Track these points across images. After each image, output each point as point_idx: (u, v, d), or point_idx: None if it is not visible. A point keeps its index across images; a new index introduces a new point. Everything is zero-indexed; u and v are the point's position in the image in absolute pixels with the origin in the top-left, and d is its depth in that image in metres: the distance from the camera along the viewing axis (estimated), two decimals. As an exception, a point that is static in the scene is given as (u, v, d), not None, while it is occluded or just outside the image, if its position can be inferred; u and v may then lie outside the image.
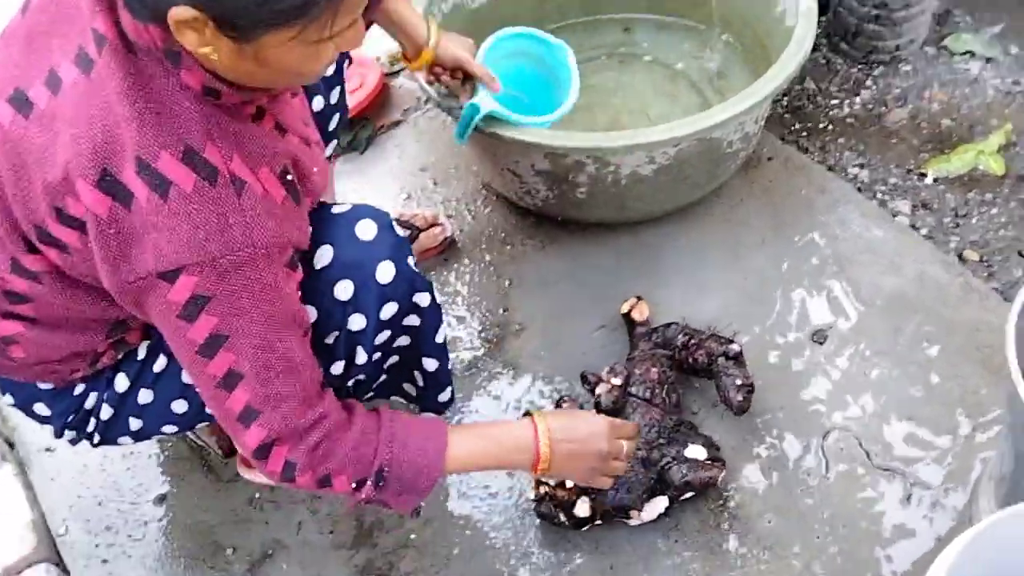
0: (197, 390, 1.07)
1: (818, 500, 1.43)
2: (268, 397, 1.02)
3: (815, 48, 2.16)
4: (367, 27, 1.29)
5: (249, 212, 0.95)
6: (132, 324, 1.17)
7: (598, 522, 1.41)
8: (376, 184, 2.02)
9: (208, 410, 1.22)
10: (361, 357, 1.20)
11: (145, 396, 1.24)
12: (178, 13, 0.84)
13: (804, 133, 2.00)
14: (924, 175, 1.88)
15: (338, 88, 1.49)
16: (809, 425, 1.52)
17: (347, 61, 1.51)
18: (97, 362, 1.21)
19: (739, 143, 1.72)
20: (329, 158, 1.56)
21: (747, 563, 1.38)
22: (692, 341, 1.54)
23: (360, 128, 2.11)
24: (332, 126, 1.51)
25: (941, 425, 1.50)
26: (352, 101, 2.08)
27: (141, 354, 1.23)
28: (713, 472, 1.39)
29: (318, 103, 1.44)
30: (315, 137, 1.17)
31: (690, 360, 1.52)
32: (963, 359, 1.57)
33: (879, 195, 1.85)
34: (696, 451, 1.41)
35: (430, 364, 1.31)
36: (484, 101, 1.53)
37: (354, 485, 1.10)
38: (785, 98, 2.07)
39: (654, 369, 1.50)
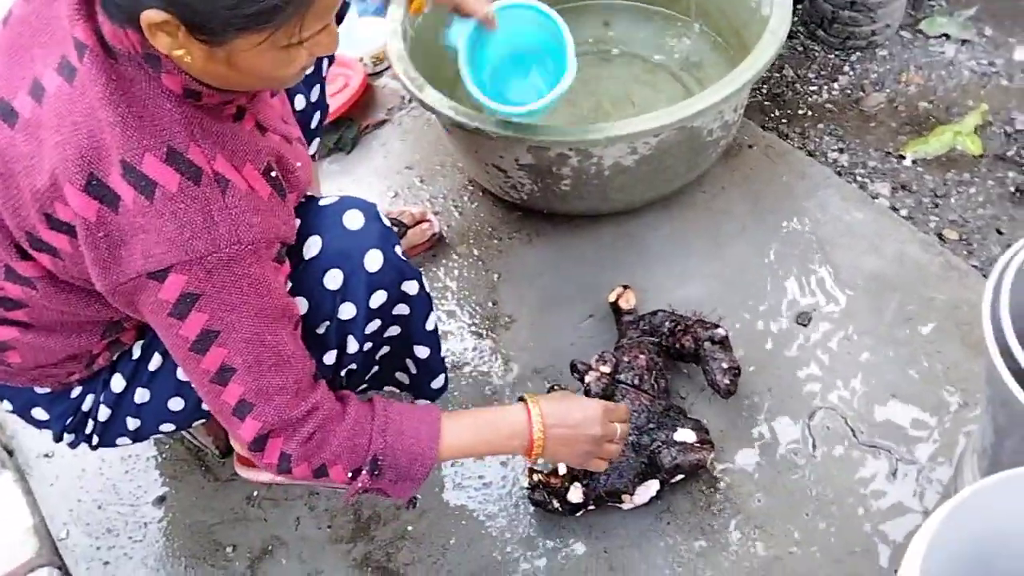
0: (193, 386, 1.09)
1: (806, 478, 1.46)
2: (261, 390, 1.04)
3: (792, 36, 2.19)
4: (338, 21, 1.31)
5: (234, 209, 0.97)
6: (126, 324, 1.19)
7: (591, 507, 1.43)
8: (363, 183, 2.04)
9: (205, 407, 1.25)
10: (352, 346, 1.22)
11: (142, 395, 1.25)
12: (150, 16, 0.86)
13: (784, 120, 2.03)
14: (903, 157, 1.91)
15: (318, 86, 1.51)
16: (795, 405, 1.55)
17: (328, 61, 1.53)
18: (93, 363, 1.23)
19: (719, 131, 1.74)
20: (313, 156, 1.58)
21: (739, 542, 1.41)
22: (678, 327, 1.56)
23: (345, 129, 2.13)
24: (314, 124, 1.53)
25: (925, 402, 1.52)
26: (337, 102, 2.10)
27: (136, 353, 1.25)
28: (702, 454, 1.42)
29: (300, 102, 1.46)
30: (296, 134, 1.19)
31: (677, 346, 1.55)
32: (945, 336, 1.60)
33: (859, 178, 1.88)
34: (685, 434, 1.44)
35: (421, 352, 1.34)
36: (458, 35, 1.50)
37: (350, 474, 1.12)
38: (764, 86, 2.10)
39: (642, 356, 1.53)
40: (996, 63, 2.07)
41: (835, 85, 2.09)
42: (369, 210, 1.21)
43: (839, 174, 1.89)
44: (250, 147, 1.03)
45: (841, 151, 1.94)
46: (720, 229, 1.82)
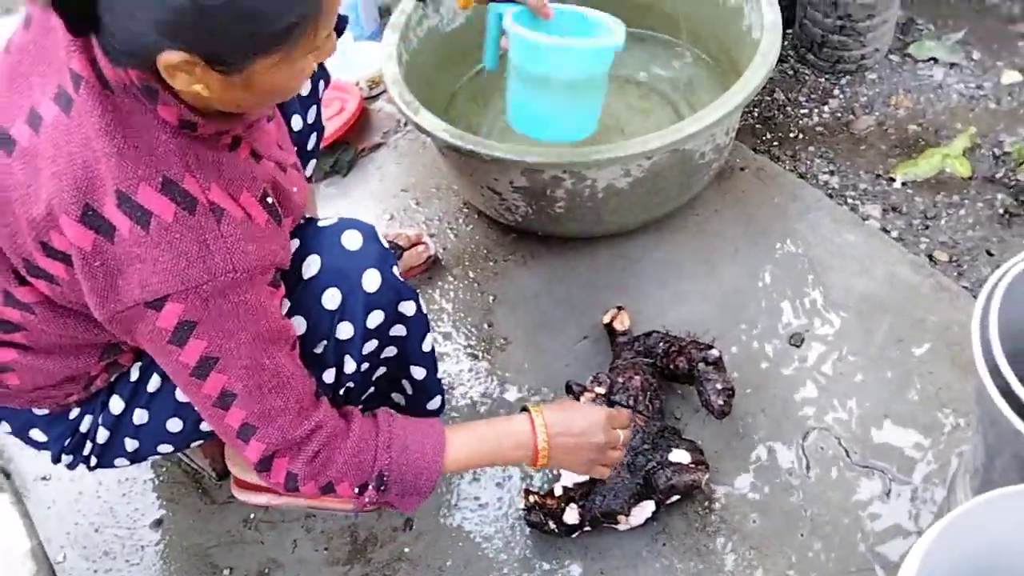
0: (194, 409, 1.10)
1: (801, 499, 1.47)
2: (263, 413, 1.05)
3: (783, 60, 2.22)
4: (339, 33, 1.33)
5: (229, 238, 0.98)
6: (124, 347, 1.20)
7: (587, 528, 1.44)
8: (359, 206, 2.06)
9: (204, 428, 1.26)
10: (350, 366, 1.23)
11: (140, 416, 1.26)
12: (168, 58, 0.87)
13: (775, 143, 2.05)
14: (893, 179, 1.93)
15: (314, 108, 1.53)
16: (789, 426, 1.56)
17: (324, 83, 1.55)
18: (91, 385, 1.24)
19: (711, 154, 1.76)
20: (309, 178, 1.59)
21: (735, 563, 1.42)
22: (672, 348, 1.57)
23: (342, 152, 2.15)
24: (310, 145, 1.55)
25: (918, 422, 1.54)
26: (333, 126, 2.12)
27: (134, 375, 1.25)
28: (697, 475, 1.43)
29: (296, 123, 1.47)
30: (291, 160, 1.20)
31: (671, 367, 1.56)
32: (936, 357, 1.61)
33: (850, 200, 1.90)
34: (680, 455, 1.45)
35: (418, 372, 1.35)
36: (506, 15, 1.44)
37: (357, 490, 1.13)
38: (756, 109, 2.12)
39: (637, 377, 1.54)
40: (984, 86, 2.10)
41: (825, 108, 2.11)
42: (367, 231, 1.22)
43: (830, 196, 1.91)
44: (246, 175, 1.04)
45: (832, 173, 1.97)
46: (713, 251, 1.84)
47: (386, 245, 1.24)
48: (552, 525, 1.43)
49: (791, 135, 2.06)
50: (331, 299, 1.18)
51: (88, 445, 1.31)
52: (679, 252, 1.85)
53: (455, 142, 1.65)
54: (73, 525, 1.61)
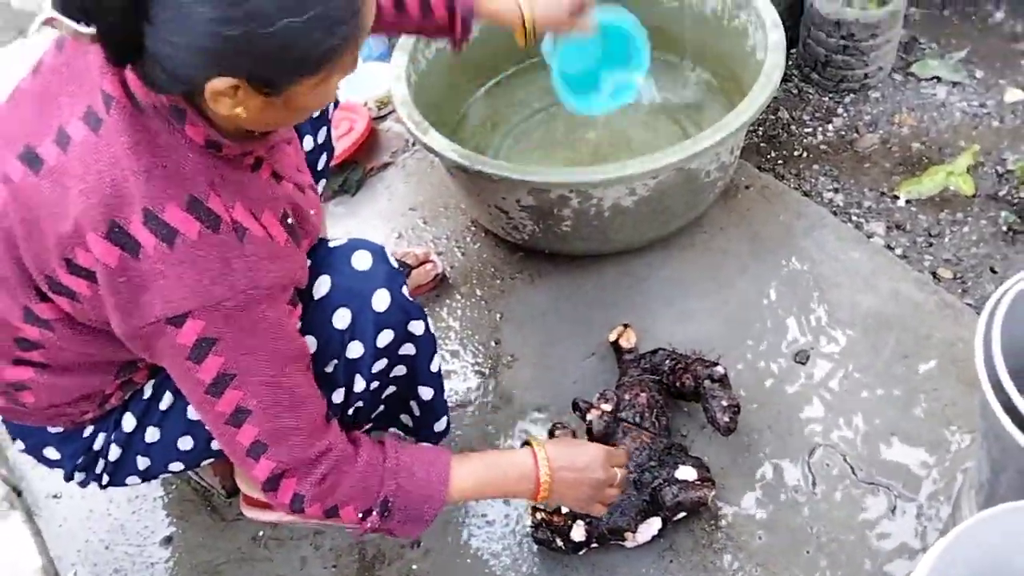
0: (206, 427, 1.11)
1: (807, 516, 1.48)
2: (275, 431, 1.06)
3: (787, 79, 2.24)
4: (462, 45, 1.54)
5: (251, 256, 1.00)
6: (140, 364, 1.22)
7: (594, 545, 1.45)
8: (368, 225, 2.08)
9: (214, 446, 1.27)
10: (359, 385, 1.24)
11: (152, 434, 1.28)
12: (216, 85, 0.90)
13: (780, 161, 2.07)
14: (897, 197, 1.94)
15: (325, 129, 1.56)
16: (795, 443, 1.57)
17: (333, 104, 1.57)
18: (106, 403, 1.25)
19: (716, 173, 1.78)
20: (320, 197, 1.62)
21: (740, 580, 1.42)
22: (678, 366, 1.58)
23: (350, 171, 2.18)
24: (321, 165, 1.58)
25: (923, 438, 1.54)
26: (342, 145, 2.15)
27: (147, 393, 1.27)
28: (703, 492, 1.44)
29: (308, 143, 1.50)
30: (308, 182, 1.22)
31: (677, 384, 1.57)
32: (942, 374, 1.62)
33: (854, 218, 1.92)
34: (686, 472, 1.45)
35: (426, 392, 1.36)
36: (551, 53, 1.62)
37: (360, 515, 1.14)
38: (760, 128, 2.14)
39: (643, 394, 1.55)
40: (987, 104, 2.11)
41: (829, 127, 2.13)
42: (377, 251, 1.24)
43: (835, 214, 1.92)
44: (267, 195, 1.07)
45: (836, 191, 1.98)
46: (719, 268, 1.85)
47: (395, 265, 1.26)
48: (559, 542, 1.44)
49: (795, 153, 2.08)
50: (341, 319, 1.19)
51: (101, 463, 1.32)
52: (685, 270, 1.86)
53: (463, 162, 1.67)
54: (84, 543, 1.62)
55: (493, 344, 1.81)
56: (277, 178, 1.11)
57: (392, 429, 1.43)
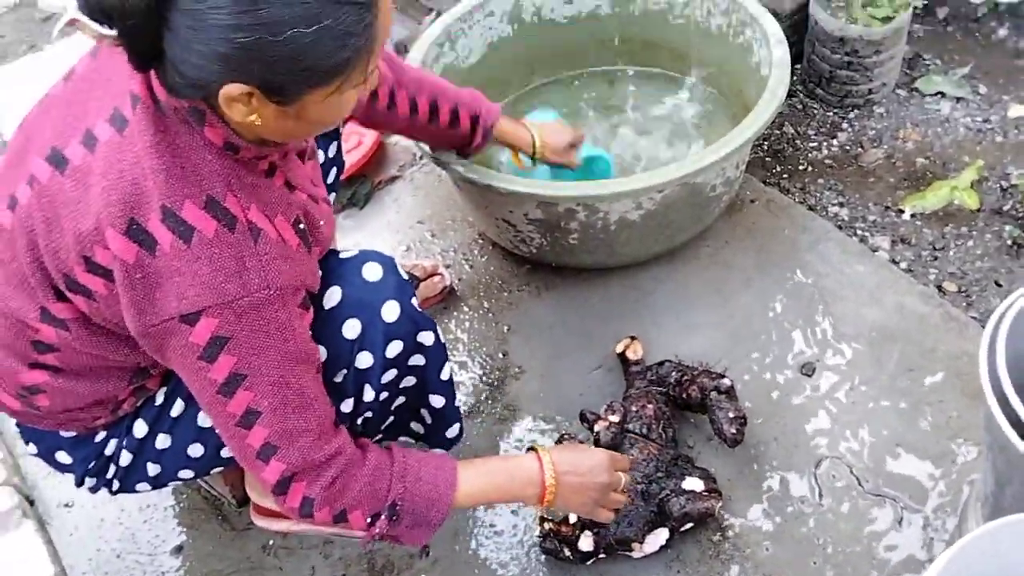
0: (216, 431, 1.13)
1: (813, 527, 1.48)
2: (285, 432, 1.08)
3: (792, 94, 2.26)
4: (474, 154, 1.69)
5: (265, 256, 1.03)
6: (153, 371, 1.24)
7: (602, 556, 1.46)
8: (376, 238, 2.10)
9: (224, 454, 1.29)
10: (369, 395, 1.26)
11: (163, 441, 1.29)
12: (229, 91, 0.92)
13: (785, 175, 2.09)
14: (901, 211, 1.96)
15: (335, 143, 1.58)
16: (801, 455, 1.58)
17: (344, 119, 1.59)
18: (118, 409, 1.27)
19: (722, 187, 1.80)
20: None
21: (747, 590, 1.43)
22: (685, 377, 1.60)
23: (359, 185, 2.20)
24: (331, 179, 1.60)
25: (928, 451, 1.55)
26: (351, 159, 2.17)
27: (159, 400, 1.29)
28: (710, 503, 1.45)
29: (319, 157, 1.52)
30: (322, 195, 1.25)
31: (684, 396, 1.58)
32: (947, 387, 1.63)
33: (859, 232, 1.93)
34: (693, 483, 1.47)
35: (437, 401, 1.37)
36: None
37: (369, 520, 1.16)
38: (765, 142, 2.16)
39: (650, 406, 1.56)
40: (991, 120, 2.13)
41: (834, 141, 2.15)
42: (387, 263, 1.26)
43: (840, 228, 1.94)
44: (281, 200, 1.09)
45: (841, 205, 2.00)
46: (724, 282, 1.87)
47: (405, 276, 1.28)
48: (567, 552, 1.45)
49: (800, 168, 2.10)
50: (351, 329, 1.21)
51: (112, 468, 1.33)
52: (691, 283, 1.88)
53: (471, 175, 1.69)
54: (95, 551, 1.64)
55: (500, 356, 1.82)
56: (290, 187, 1.13)
57: (403, 438, 1.45)
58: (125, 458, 1.31)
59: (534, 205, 1.72)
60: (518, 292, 1.93)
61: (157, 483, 1.37)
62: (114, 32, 0.89)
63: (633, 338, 1.71)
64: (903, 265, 1.85)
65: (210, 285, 1.00)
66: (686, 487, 1.46)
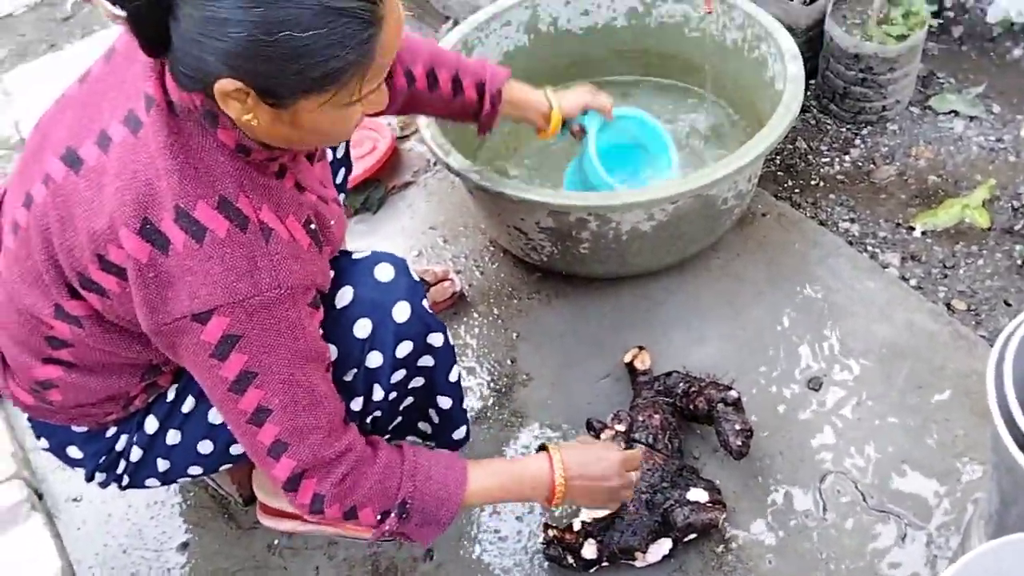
0: (227, 428, 1.14)
1: (816, 541, 1.49)
2: (296, 429, 1.09)
3: (806, 110, 2.27)
4: (490, 125, 1.60)
5: (276, 256, 1.04)
6: (164, 368, 1.25)
7: (604, 564, 1.46)
8: (388, 242, 2.11)
9: (233, 451, 1.30)
10: (378, 394, 1.27)
11: (173, 437, 1.30)
12: (223, 86, 0.94)
13: (797, 190, 2.09)
14: (912, 228, 1.96)
15: (343, 145, 1.59)
16: (807, 469, 1.58)
17: None
18: (130, 405, 1.29)
19: (733, 200, 1.81)
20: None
21: (749, 603, 1.43)
22: (692, 388, 1.60)
23: (373, 189, 2.21)
24: (339, 180, 1.62)
25: (934, 468, 1.55)
26: (365, 164, 2.19)
27: (170, 396, 1.30)
28: (714, 514, 1.45)
29: (328, 157, 1.53)
30: (332, 195, 1.26)
31: (690, 407, 1.59)
32: (954, 405, 1.63)
33: (869, 248, 1.94)
34: (698, 494, 1.47)
35: (444, 402, 1.38)
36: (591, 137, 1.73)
37: (379, 517, 1.17)
38: (778, 157, 2.17)
39: (656, 416, 1.57)
40: (1004, 139, 2.13)
41: (847, 157, 2.15)
42: (399, 264, 1.27)
43: (850, 243, 1.94)
44: (292, 201, 1.11)
45: (852, 221, 2.00)
46: (734, 294, 1.87)
47: (416, 278, 1.29)
48: (570, 559, 1.45)
49: (812, 183, 2.10)
50: (362, 328, 1.22)
51: (122, 464, 1.35)
52: (701, 295, 1.88)
53: (484, 183, 1.71)
54: (102, 546, 1.65)
55: (509, 363, 1.83)
56: (300, 188, 1.15)
57: (410, 438, 1.46)
58: (136, 453, 1.33)
59: (545, 214, 1.73)
60: (528, 300, 1.94)
61: (166, 479, 1.38)
62: (124, 13, 0.91)
63: (641, 348, 1.72)
64: (913, 282, 1.86)
65: (222, 284, 1.01)
66: (690, 498, 1.46)
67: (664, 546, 1.46)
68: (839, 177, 2.11)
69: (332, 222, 1.21)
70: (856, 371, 1.71)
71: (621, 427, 1.54)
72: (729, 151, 1.75)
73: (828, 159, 2.16)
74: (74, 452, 1.35)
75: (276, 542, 1.61)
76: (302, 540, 1.60)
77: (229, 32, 0.90)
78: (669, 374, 1.66)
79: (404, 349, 1.26)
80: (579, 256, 1.83)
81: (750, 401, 1.66)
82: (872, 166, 2.12)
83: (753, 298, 1.86)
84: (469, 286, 1.98)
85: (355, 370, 1.24)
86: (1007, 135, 2.14)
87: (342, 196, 1.65)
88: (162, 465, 1.34)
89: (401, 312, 1.24)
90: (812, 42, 2.21)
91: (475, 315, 1.93)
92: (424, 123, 1.85)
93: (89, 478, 1.37)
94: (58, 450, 1.36)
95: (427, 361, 1.31)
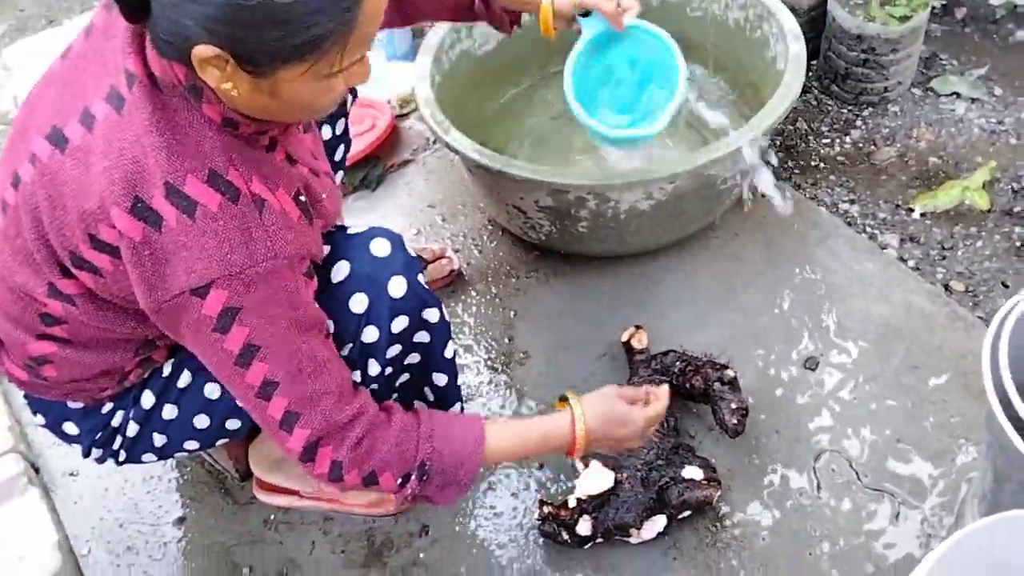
0: (224, 402, 1.14)
1: (811, 519, 1.49)
2: (305, 397, 1.09)
3: (807, 90, 2.26)
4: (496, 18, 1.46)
5: (270, 227, 1.03)
6: (159, 343, 1.25)
7: (599, 540, 1.47)
8: (387, 220, 2.11)
9: (229, 426, 1.30)
10: (374, 368, 1.27)
11: (169, 412, 1.31)
12: (201, 51, 0.93)
13: (797, 171, 2.09)
14: (912, 210, 1.96)
15: (343, 120, 1.58)
16: (802, 448, 1.58)
17: (352, 97, 1.60)
18: (125, 380, 1.28)
19: (732, 180, 1.80)
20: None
21: (743, 580, 1.44)
22: (689, 367, 1.60)
23: (371, 167, 2.21)
24: (338, 156, 1.60)
25: (929, 447, 1.56)
26: (364, 142, 2.18)
27: (166, 371, 1.30)
28: (709, 492, 1.45)
29: (326, 132, 1.53)
30: (324, 168, 1.25)
31: (687, 385, 1.59)
32: (950, 385, 1.63)
33: (868, 229, 1.93)
34: (693, 472, 1.47)
35: (440, 379, 1.38)
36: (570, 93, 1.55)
37: (399, 481, 1.16)
38: (778, 138, 2.16)
39: (652, 394, 1.57)
40: (1005, 121, 2.12)
41: (847, 139, 2.15)
42: (395, 239, 1.27)
43: (849, 224, 1.94)
44: (282, 173, 1.10)
45: (852, 202, 2.00)
46: (732, 274, 1.87)
47: (412, 254, 1.29)
48: (565, 536, 1.46)
49: (813, 164, 2.10)
50: (358, 303, 1.22)
51: (118, 439, 1.35)
52: (699, 274, 1.88)
53: (483, 161, 1.70)
54: (99, 520, 1.65)
55: (506, 341, 1.83)
56: (291, 161, 1.14)
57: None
58: (132, 429, 1.33)
59: (544, 192, 1.73)
60: (526, 278, 1.94)
61: (163, 454, 1.38)
62: None
63: (638, 327, 1.72)
64: (911, 263, 1.86)
65: (217, 257, 1.01)
66: (686, 475, 1.47)
67: (659, 523, 1.46)
68: (839, 158, 2.10)
69: (324, 195, 1.20)
70: (853, 352, 1.71)
71: (617, 405, 1.54)
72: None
73: (829, 140, 2.15)
74: (70, 428, 1.35)
75: (272, 517, 1.62)
76: (298, 515, 1.61)
77: None
78: (666, 353, 1.66)
79: (400, 324, 1.26)
80: (577, 235, 1.82)
81: (747, 381, 1.66)
82: (873, 147, 2.12)
83: (751, 278, 1.86)
84: (467, 264, 1.98)
85: (351, 345, 1.24)
86: (1008, 117, 2.13)
87: (340, 173, 1.65)
88: (159, 440, 1.34)
89: (397, 287, 1.24)
90: (814, 22, 2.20)
91: (473, 293, 1.93)
92: (423, 100, 1.84)
93: (86, 454, 1.37)
94: (54, 426, 1.36)
95: (423, 337, 1.31)
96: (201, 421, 1.31)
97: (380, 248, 1.24)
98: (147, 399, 1.31)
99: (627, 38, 1.59)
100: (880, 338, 1.72)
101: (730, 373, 1.56)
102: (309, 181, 1.16)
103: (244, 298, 1.03)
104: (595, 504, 1.45)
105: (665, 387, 1.41)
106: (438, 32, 1.98)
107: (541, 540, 1.51)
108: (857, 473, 1.54)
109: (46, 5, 3.06)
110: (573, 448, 1.28)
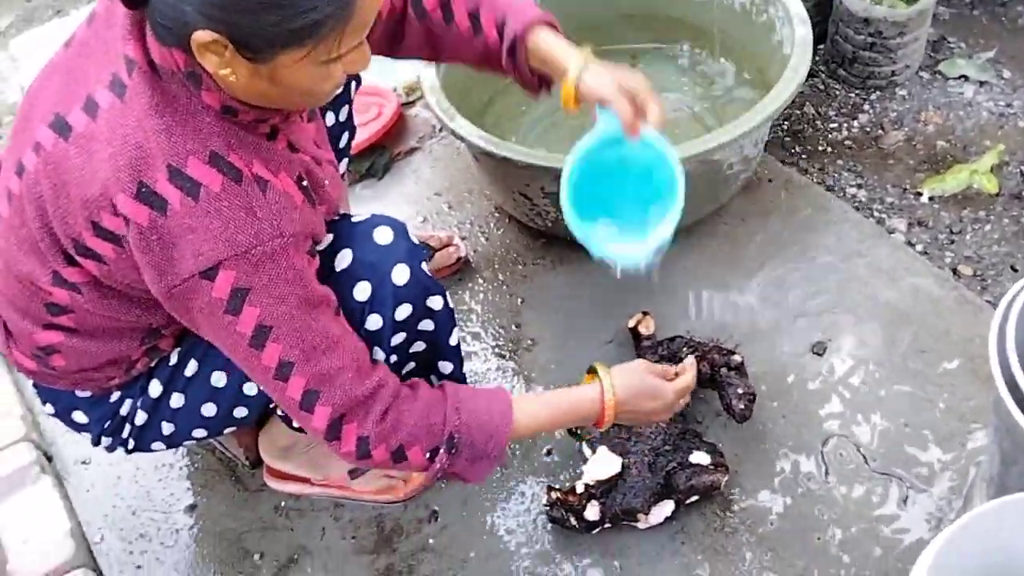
0: (231, 390, 1.15)
1: (818, 503, 1.49)
2: (321, 374, 1.09)
3: (814, 74, 2.25)
4: (524, 76, 1.33)
5: (274, 205, 1.04)
6: (165, 332, 1.26)
7: (607, 525, 1.47)
8: (393, 208, 2.10)
9: (237, 414, 1.31)
10: (379, 356, 1.26)
11: (177, 400, 1.31)
12: (200, 37, 0.93)
13: (804, 155, 2.08)
14: (920, 194, 1.95)
15: (347, 107, 1.58)
16: (809, 433, 1.58)
17: (356, 84, 1.60)
18: (132, 369, 1.29)
19: (739, 165, 1.80)
20: (342, 176, 1.64)
21: (751, 564, 1.44)
22: (696, 353, 1.60)
23: (378, 155, 2.21)
24: (343, 143, 1.60)
25: (937, 431, 1.56)
26: (370, 130, 2.18)
27: (173, 359, 1.31)
28: (716, 476, 1.46)
29: (330, 119, 1.53)
30: (327, 157, 1.26)
31: (694, 371, 1.59)
32: (958, 369, 1.63)
33: (876, 214, 1.93)
34: (700, 457, 1.48)
35: (445, 367, 1.38)
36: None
37: (428, 455, 1.17)
38: (785, 122, 2.15)
39: (660, 380, 1.57)
40: (1014, 104, 2.11)
41: (855, 123, 2.14)
42: (398, 227, 1.27)
43: (857, 209, 1.93)
44: (283, 159, 1.10)
45: (859, 187, 1.99)
46: (739, 259, 1.87)
47: (416, 241, 1.29)
48: (573, 521, 1.47)
49: (820, 148, 2.09)
50: (362, 291, 1.22)
51: (127, 428, 1.36)
52: (706, 260, 1.88)
53: (489, 148, 1.70)
54: (111, 508, 1.67)
55: (514, 328, 1.83)
56: (293, 149, 1.14)
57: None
58: (140, 417, 1.34)
59: (550, 179, 1.72)
60: (533, 265, 1.94)
61: (171, 442, 1.39)
62: None
63: (645, 313, 1.72)
64: (919, 248, 1.85)
65: (223, 238, 1.01)
66: (693, 461, 1.47)
67: (666, 508, 1.47)
68: (847, 143, 2.10)
69: (326, 182, 1.20)
70: (861, 336, 1.71)
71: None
72: (735, 115, 1.73)
73: (836, 124, 2.14)
74: (79, 417, 1.36)
75: (282, 504, 1.63)
76: (308, 502, 1.62)
77: None
78: (673, 339, 1.66)
79: (403, 312, 1.26)
80: (584, 221, 1.82)
81: (753, 366, 1.65)
82: (880, 131, 2.11)
83: (758, 263, 1.86)
84: (474, 252, 1.98)
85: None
86: (1017, 100, 2.12)
87: (345, 161, 1.65)
88: (167, 428, 1.35)
89: (400, 275, 1.24)
90: (821, 6, 2.19)
91: (480, 281, 1.93)
92: (429, 88, 1.84)
93: (95, 443, 1.39)
94: (63, 415, 1.37)
95: (427, 325, 1.31)
96: (208, 409, 1.32)
97: (383, 236, 1.24)
98: (154, 388, 1.32)
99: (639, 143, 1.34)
100: (888, 323, 1.72)
101: (737, 358, 1.56)
102: (311, 168, 1.17)
103: (252, 278, 1.03)
104: (603, 489, 1.46)
105: (691, 359, 1.42)
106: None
107: (549, 525, 1.52)
108: (865, 458, 1.54)
109: (52, -4, 3.07)
110: (602, 419, 1.28)
